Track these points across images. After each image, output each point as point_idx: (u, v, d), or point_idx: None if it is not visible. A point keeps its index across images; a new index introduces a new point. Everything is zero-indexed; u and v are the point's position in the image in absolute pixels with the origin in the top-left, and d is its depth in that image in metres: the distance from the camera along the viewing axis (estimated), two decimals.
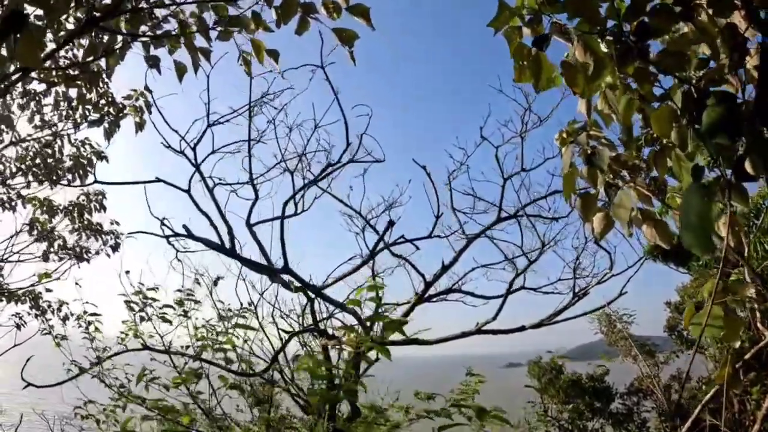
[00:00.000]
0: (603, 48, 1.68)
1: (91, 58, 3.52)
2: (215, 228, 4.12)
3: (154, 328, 3.00)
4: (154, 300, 2.98)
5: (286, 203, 4.77)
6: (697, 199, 1.84)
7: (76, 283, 4.31)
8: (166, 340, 3.12)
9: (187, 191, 4.17)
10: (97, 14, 2.69)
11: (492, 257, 8.57)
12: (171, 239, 3.92)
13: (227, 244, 4.28)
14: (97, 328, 3.41)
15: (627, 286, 6.26)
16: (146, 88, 5.05)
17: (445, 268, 7.68)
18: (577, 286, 6.55)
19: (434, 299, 7.79)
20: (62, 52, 4.89)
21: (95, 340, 3.52)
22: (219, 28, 3.17)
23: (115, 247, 6.99)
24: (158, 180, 4.24)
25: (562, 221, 7.88)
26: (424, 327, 7.27)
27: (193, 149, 4.40)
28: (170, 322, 2.93)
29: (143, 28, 3.43)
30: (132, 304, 2.94)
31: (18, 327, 6.57)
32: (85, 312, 3.46)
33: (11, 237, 5.96)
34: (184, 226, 3.94)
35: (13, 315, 6.71)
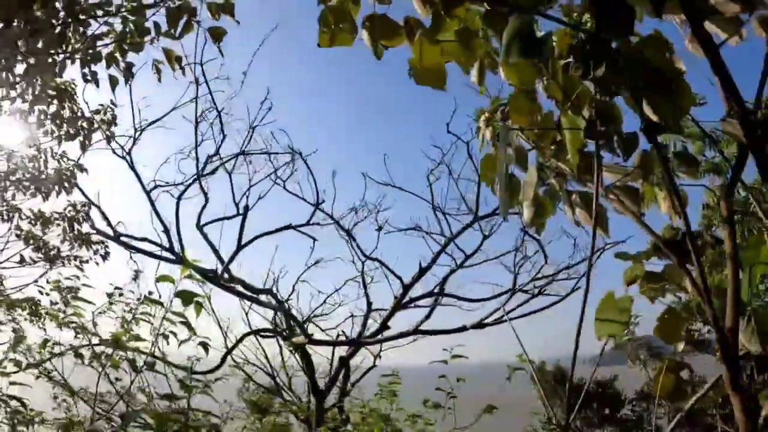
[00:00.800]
0: None
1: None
2: (108, 220, 4.39)
3: (79, 319, 3.25)
4: (73, 289, 3.24)
5: (179, 197, 5.03)
6: (497, 149, 1.65)
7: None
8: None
9: None
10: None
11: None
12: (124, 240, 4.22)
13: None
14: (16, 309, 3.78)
15: (591, 282, 6.13)
16: (112, 102, 5.40)
17: (422, 271, 7.72)
18: (540, 283, 6.47)
19: (414, 304, 7.82)
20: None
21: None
22: (132, 41, 3.45)
23: (105, 256, 7.37)
24: None
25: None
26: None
27: (128, 154, 4.73)
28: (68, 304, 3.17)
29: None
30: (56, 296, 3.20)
31: (15, 332, 6.98)
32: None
33: (3, 246, 6.41)
34: (94, 226, 4.22)
35: (11, 320, 7.14)
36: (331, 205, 7.66)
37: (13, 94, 5.74)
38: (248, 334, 5.43)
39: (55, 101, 5.58)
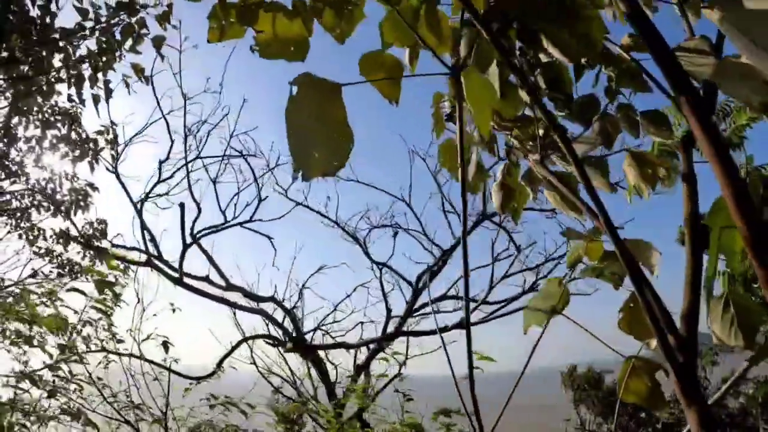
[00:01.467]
0: None
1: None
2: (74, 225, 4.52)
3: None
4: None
5: (143, 201, 5.16)
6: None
7: None
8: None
9: None
10: None
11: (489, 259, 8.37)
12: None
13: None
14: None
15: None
16: (112, 122, 5.63)
17: (432, 274, 7.63)
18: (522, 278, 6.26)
19: (427, 308, 7.71)
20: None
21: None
22: (105, 59, 3.61)
23: (124, 270, 7.65)
24: None
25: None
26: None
27: (115, 169, 4.92)
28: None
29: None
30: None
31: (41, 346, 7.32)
32: None
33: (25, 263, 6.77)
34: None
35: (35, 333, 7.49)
36: (336, 211, 7.70)
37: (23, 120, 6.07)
38: (244, 340, 5.51)
39: (60, 125, 5.88)
